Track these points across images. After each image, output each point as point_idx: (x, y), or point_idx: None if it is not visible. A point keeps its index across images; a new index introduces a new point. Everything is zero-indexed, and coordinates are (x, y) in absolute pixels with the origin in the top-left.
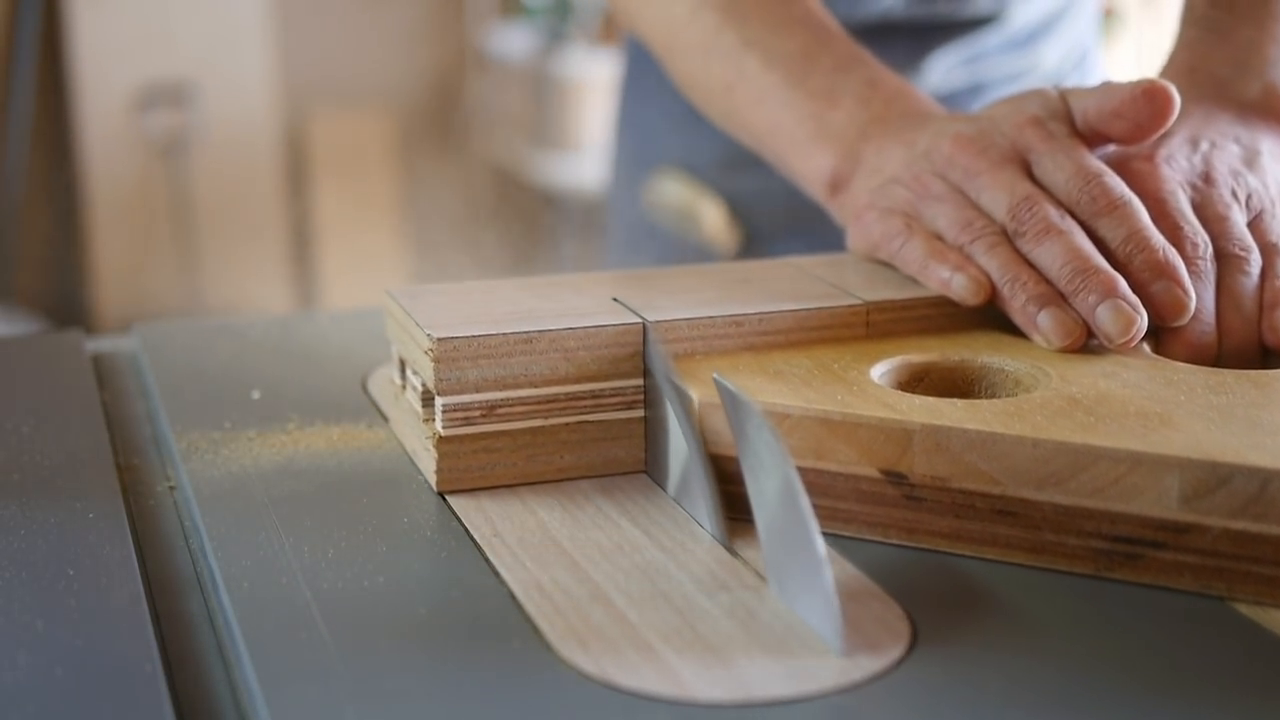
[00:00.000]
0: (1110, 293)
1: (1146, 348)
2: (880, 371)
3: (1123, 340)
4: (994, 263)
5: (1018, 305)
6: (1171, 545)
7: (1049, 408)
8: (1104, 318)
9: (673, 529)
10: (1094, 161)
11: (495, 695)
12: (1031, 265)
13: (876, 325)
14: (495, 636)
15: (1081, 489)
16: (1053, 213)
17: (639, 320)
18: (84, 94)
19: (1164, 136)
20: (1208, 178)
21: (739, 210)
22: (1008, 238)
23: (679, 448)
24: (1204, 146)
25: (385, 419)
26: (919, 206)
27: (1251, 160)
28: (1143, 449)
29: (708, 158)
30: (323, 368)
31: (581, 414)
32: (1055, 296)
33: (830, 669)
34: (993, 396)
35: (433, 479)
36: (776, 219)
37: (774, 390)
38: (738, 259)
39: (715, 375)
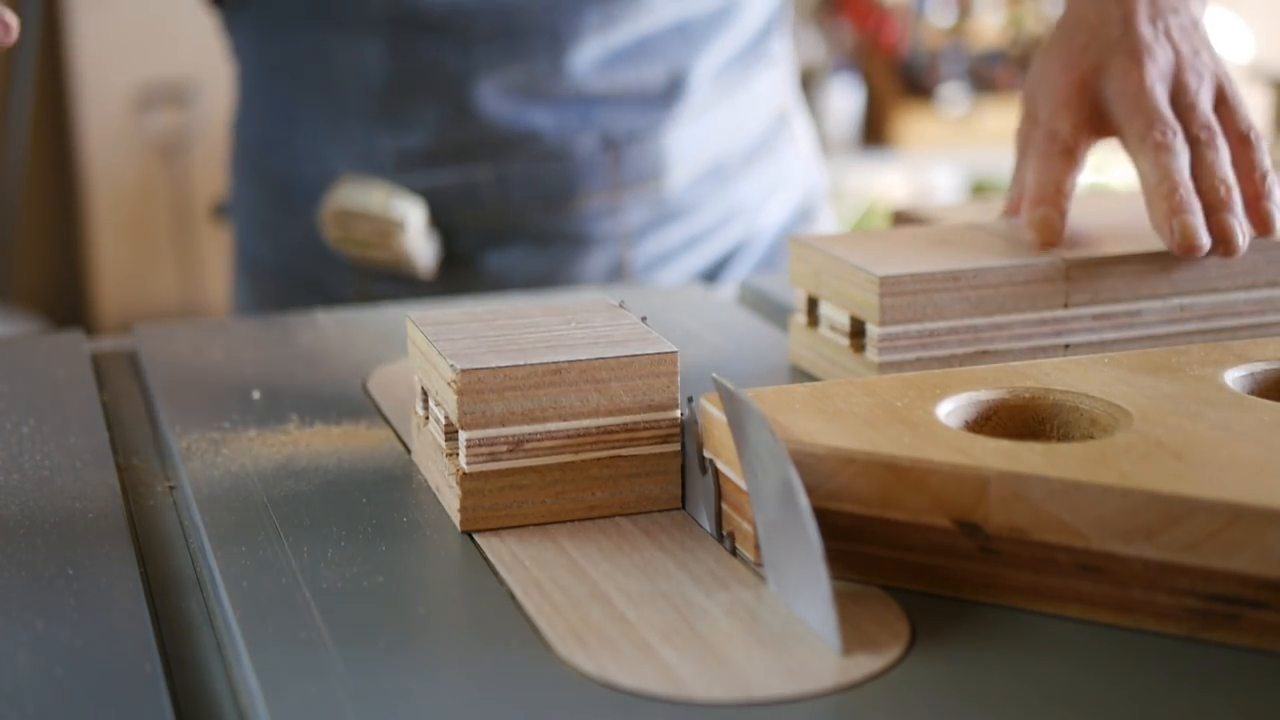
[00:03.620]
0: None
1: (1231, 385)
2: (946, 410)
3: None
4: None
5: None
6: (1274, 605)
7: (1134, 452)
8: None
9: (672, 528)
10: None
11: (495, 695)
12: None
13: (1075, 280)
14: (495, 636)
15: (1175, 543)
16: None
17: (674, 349)
18: (84, 94)
19: (1132, 15)
20: (1178, 65)
21: (437, 214)
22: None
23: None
24: (1161, 25)
25: (385, 419)
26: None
27: (1194, 28)
28: (1243, 500)
29: (389, 157)
30: (323, 368)
31: (614, 448)
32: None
33: (829, 668)
34: (1066, 437)
35: (456, 517)
36: (481, 223)
37: (835, 432)
38: (440, 280)
39: (714, 375)
